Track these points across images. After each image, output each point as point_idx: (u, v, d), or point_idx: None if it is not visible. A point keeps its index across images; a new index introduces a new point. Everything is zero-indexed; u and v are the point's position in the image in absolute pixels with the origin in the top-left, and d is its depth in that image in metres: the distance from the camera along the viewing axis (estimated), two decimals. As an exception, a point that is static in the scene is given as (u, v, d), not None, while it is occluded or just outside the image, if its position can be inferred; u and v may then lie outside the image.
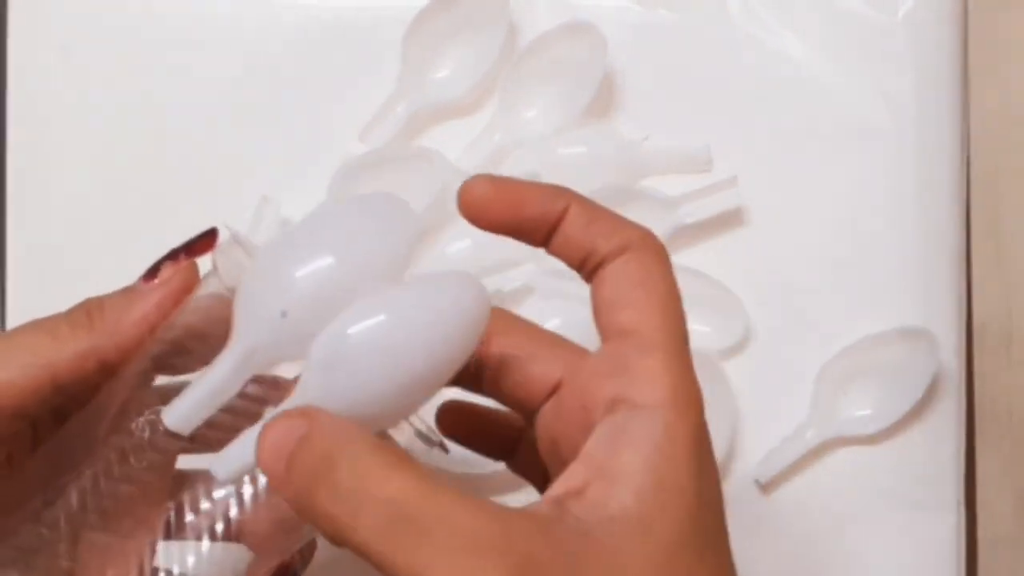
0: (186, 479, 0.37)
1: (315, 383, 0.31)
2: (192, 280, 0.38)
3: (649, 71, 0.55)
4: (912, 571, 0.53)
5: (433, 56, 0.55)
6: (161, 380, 0.37)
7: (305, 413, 0.31)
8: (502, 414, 0.41)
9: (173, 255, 0.38)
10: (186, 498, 0.36)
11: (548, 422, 0.36)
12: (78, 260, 0.54)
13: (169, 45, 0.56)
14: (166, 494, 0.36)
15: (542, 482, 0.39)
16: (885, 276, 0.54)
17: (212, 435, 0.33)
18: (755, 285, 0.54)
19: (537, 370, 0.36)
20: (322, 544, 0.53)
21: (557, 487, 0.32)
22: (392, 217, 0.33)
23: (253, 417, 0.33)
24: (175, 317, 0.37)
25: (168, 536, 0.36)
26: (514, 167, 0.54)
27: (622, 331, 0.34)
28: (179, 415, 0.33)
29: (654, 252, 0.35)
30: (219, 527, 0.36)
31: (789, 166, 0.55)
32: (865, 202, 0.55)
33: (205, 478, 0.36)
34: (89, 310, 0.37)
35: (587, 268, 0.36)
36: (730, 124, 0.55)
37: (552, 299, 0.53)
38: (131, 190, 0.55)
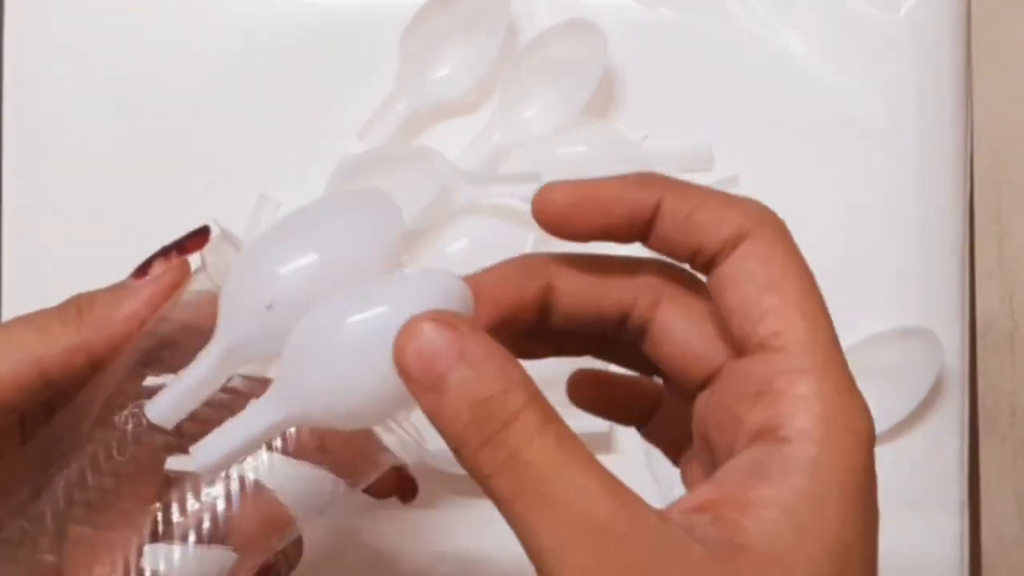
0: (174, 480, 0.37)
1: (292, 377, 0.31)
2: (182, 277, 0.38)
3: (650, 70, 0.55)
4: (916, 572, 0.53)
5: (433, 55, 0.54)
6: (151, 381, 0.37)
7: (454, 325, 0.28)
8: (639, 381, 0.37)
9: (164, 252, 0.38)
10: (173, 499, 0.36)
11: (703, 413, 0.33)
12: (75, 258, 0.54)
13: (167, 44, 0.55)
14: (154, 490, 0.36)
15: (676, 453, 0.37)
16: (887, 276, 0.54)
17: (197, 429, 0.33)
18: (756, 285, 0.54)
19: (699, 348, 0.32)
20: (315, 545, 0.53)
21: (685, 501, 0.29)
22: (379, 213, 0.33)
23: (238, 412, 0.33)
24: (164, 312, 0.37)
25: (155, 537, 0.36)
26: (514, 166, 0.54)
27: (763, 346, 0.30)
28: (162, 408, 0.33)
29: (774, 236, 0.31)
30: (205, 528, 0.36)
31: (790, 165, 0.55)
32: (867, 201, 0.54)
33: (193, 479, 0.36)
34: (79, 306, 0.37)
35: (698, 264, 0.32)
36: (731, 123, 0.55)
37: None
38: (128, 188, 0.55)
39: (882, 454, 0.53)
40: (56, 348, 0.36)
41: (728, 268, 0.31)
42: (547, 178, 0.51)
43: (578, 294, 0.33)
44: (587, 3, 0.55)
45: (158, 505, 0.36)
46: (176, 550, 0.36)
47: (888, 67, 0.55)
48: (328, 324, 0.30)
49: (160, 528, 0.36)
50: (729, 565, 0.27)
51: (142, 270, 0.38)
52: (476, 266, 0.53)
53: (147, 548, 0.35)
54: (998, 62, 0.57)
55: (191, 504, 0.36)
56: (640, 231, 0.32)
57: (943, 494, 0.53)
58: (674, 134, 0.55)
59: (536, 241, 0.52)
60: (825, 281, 0.54)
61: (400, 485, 0.44)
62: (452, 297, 0.31)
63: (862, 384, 0.53)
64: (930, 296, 0.54)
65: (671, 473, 0.53)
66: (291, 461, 0.37)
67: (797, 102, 0.55)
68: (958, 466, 0.53)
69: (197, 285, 0.37)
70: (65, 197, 0.55)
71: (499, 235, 0.54)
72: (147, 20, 0.56)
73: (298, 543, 0.40)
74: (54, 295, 0.39)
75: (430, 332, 0.28)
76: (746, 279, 0.31)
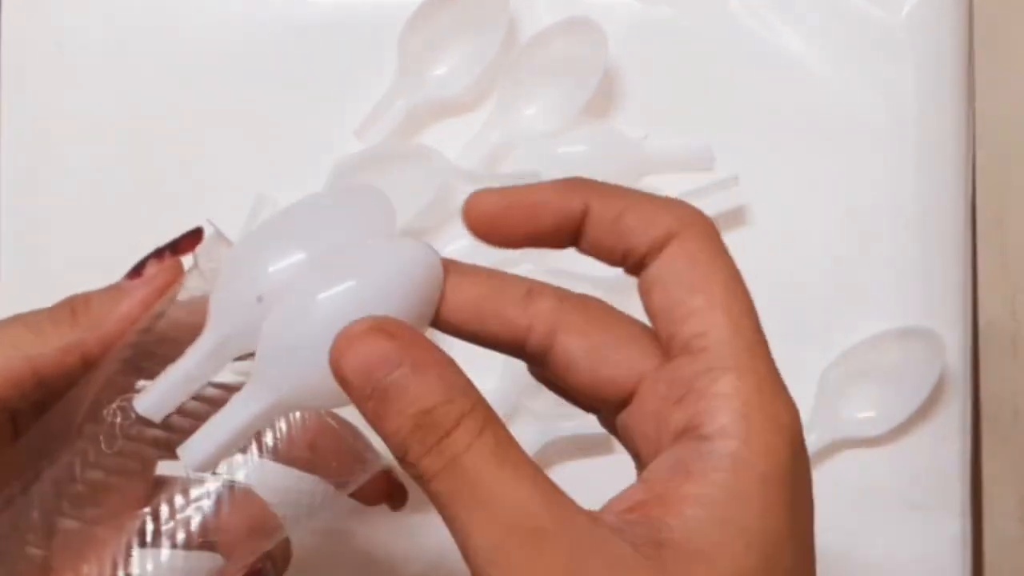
0: (164, 482, 0.37)
1: (270, 362, 0.31)
2: (176, 277, 0.38)
3: (650, 68, 0.55)
4: (917, 573, 0.53)
5: (432, 53, 0.54)
6: (143, 383, 0.37)
7: (394, 333, 0.29)
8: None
9: (158, 253, 0.38)
10: (162, 501, 0.36)
11: (626, 430, 0.32)
12: (72, 257, 0.54)
13: (164, 43, 0.55)
14: (144, 486, 0.37)
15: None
16: (889, 276, 0.54)
17: (187, 424, 0.33)
18: (757, 285, 0.53)
19: (607, 373, 0.32)
20: (307, 550, 0.53)
21: (616, 503, 0.30)
22: (372, 210, 0.33)
23: None
24: (157, 310, 0.37)
25: (143, 538, 0.36)
26: (513, 166, 0.54)
27: (687, 347, 0.30)
28: (150, 401, 0.33)
29: (702, 237, 0.31)
30: (193, 531, 0.36)
31: (790, 165, 0.55)
32: (868, 201, 0.54)
33: (182, 481, 0.36)
34: (73, 306, 0.38)
35: (629, 267, 0.32)
36: (731, 122, 0.55)
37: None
38: (126, 187, 0.55)
39: (883, 455, 0.53)
40: (49, 347, 0.36)
41: (655, 270, 0.31)
42: (547, 177, 0.51)
43: (468, 309, 0.33)
44: (587, 1, 0.55)
45: (147, 509, 0.36)
46: (164, 554, 0.36)
47: (889, 67, 0.55)
48: (299, 303, 0.30)
49: (148, 529, 0.36)
50: (655, 562, 0.27)
51: (136, 271, 0.38)
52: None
53: (135, 552, 0.35)
54: (1000, 62, 0.57)
55: (179, 507, 0.36)
56: (569, 236, 0.32)
57: (945, 495, 0.53)
58: (674, 134, 0.54)
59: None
60: (826, 281, 0.54)
61: (389, 490, 0.44)
62: (420, 266, 0.31)
63: (864, 385, 0.53)
64: (932, 296, 0.54)
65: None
66: (278, 466, 0.37)
67: (798, 102, 0.55)
68: (960, 467, 0.53)
69: (190, 284, 0.37)
70: (62, 196, 0.55)
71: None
72: (145, 18, 0.56)
73: (286, 546, 0.40)
74: (52, 294, 0.39)
75: (370, 342, 0.29)
76: (673, 280, 0.31)
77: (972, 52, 0.55)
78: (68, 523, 0.36)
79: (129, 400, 0.34)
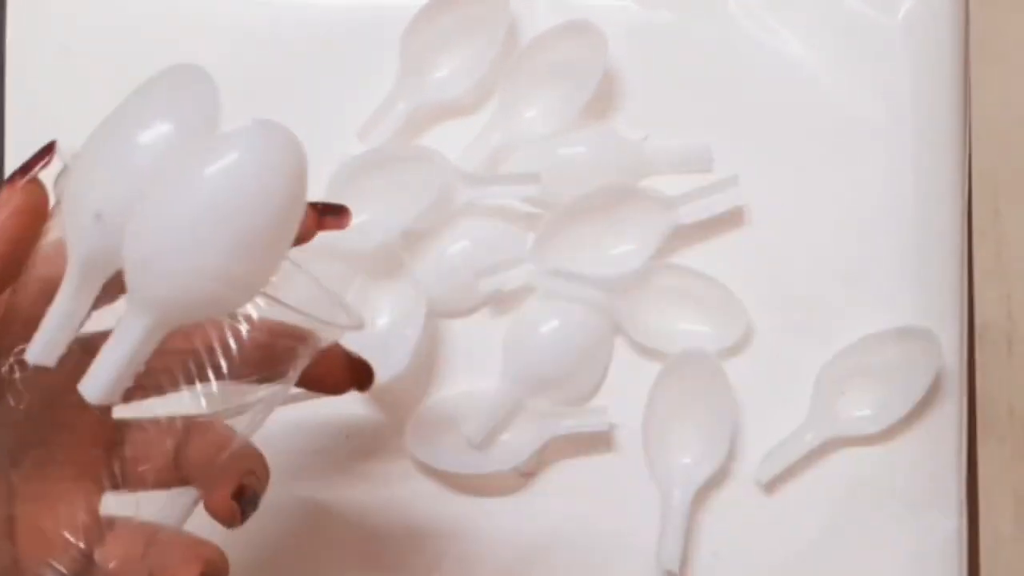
0: (124, 427, 0.36)
1: (141, 275, 0.31)
2: (37, 200, 0.35)
3: (649, 70, 0.55)
4: (913, 572, 0.53)
5: (433, 55, 0.54)
6: None
7: None
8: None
9: (9, 180, 0.36)
10: (125, 447, 0.36)
11: None
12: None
13: (169, 45, 0.55)
14: (95, 432, 0.36)
15: None
16: (885, 276, 0.54)
17: (89, 361, 0.33)
18: (755, 285, 0.54)
19: None
20: (314, 552, 0.53)
21: None
22: (197, 95, 0.33)
23: None
24: (31, 261, 0.35)
25: (114, 484, 0.36)
26: (514, 167, 0.54)
27: None
28: (39, 347, 0.33)
29: None
30: (159, 471, 0.36)
31: (789, 166, 0.55)
32: (865, 202, 0.55)
33: (139, 424, 0.36)
34: None
35: None
36: (729, 124, 0.55)
37: (552, 299, 0.53)
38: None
39: (880, 454, 0.53)
40: None
41: None
42: (547, 178, 0.52)
43: None
44: (587, 4, 0.55)
45: (109, 454, 0.36)
46: (134, 496, 0.36)
47: (887, 68, 0.55)
48: (146, 213, 0.30)
49: (118, 475, 0.36)
50: None
51: None
52: (476, 266, 0.53)
53: (107, 496, 0.35)
54: (996, 63, 0.57)
55: (141, 451, 0.36)
56: None
57: (941, 494, 0.53)
58: (674, 134, 0.55)
59: (536, 241, 0.53)
60: (823, 281, 0.55)
61: (352, 373, 0.43)
62: (274, 151, 0.32)
63: (861, 384, 0.53)
64: (928, 296, 0.54)
65: (671, 473, 0.53)
66: (226, 385, 0.37)
67: (796, 103, 0.55)
68: (956, 466, 0.54)
69: (53, 235, 0.35)
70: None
71: (499, 235, 0.54)
72: (148, 20, 0.56)
73: (261, 459, 0.39)
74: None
75: None
76: None
77: (968, 53, 0.55)
78: (27, 483, 0.35)
79: (21, 351, 0.34)
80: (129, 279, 0.31)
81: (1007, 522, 0.55)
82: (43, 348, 0.33)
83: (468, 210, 0.53)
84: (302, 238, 0.38)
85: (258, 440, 0.39)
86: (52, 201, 0.36)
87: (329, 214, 0.40)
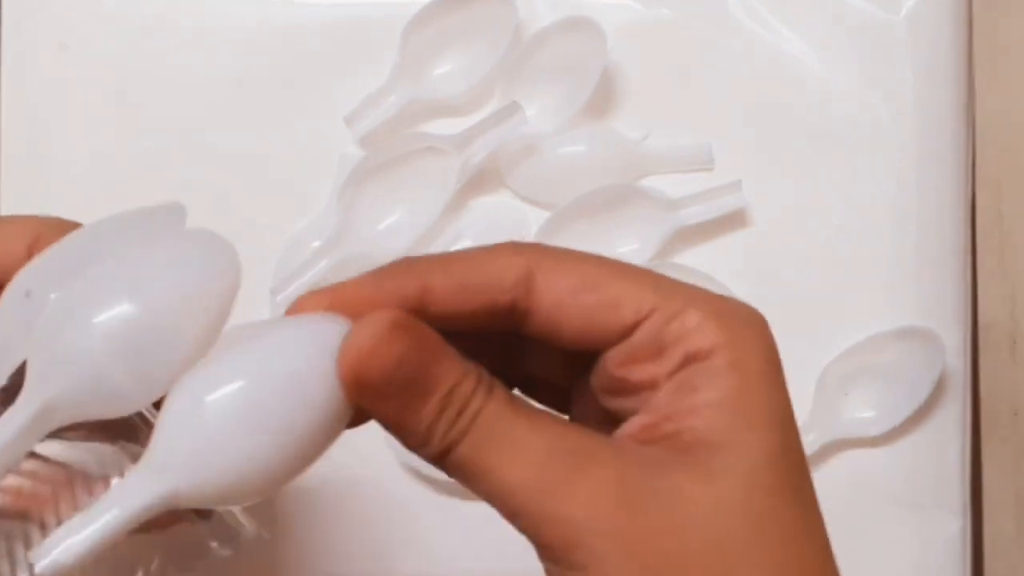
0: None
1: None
2: None
3: (649, 69, 0.55)
4: (917, 572, 0.53)
5: (433, 52, 0.54)
6: None
7: (402, 326, 0.29)
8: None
9: None
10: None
11: (622, 367, 0.32)
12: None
13: (166, 42, 0.55)
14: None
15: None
16: (888, 276, 0.54)
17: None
18: (756, 285, 0.53)
19: (601, 307, 0.31)
20: (292, 543, 0.53)
21: (619, 434, 0.31)
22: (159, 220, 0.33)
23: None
24: None
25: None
26: (514, 167, 0.54)
27: (626, 329, 0.31)
28: None
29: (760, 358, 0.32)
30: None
31: (791, 165, 0.55)
32: (868, 201, 0.54)
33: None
34: None
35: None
36: (731, 122, 0.55)
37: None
38: (127, 188, 0.55)
39: (883, 455, 0.53)
40: None
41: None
42: (547, 178, 0.51)
43: (451, 290, 0.32)
44: (587, 2, 0.55)
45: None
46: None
47: (889, 67, 0.55)
48: (59, 305, 0.30)
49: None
50: (691, 458, 0.30)
51: None
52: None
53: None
54: (999, 62, 0.57)
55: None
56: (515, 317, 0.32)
57: (944, 494, 0.53)
58: (674, 134, 0.54)
59: (536, 240, 0.52)
60: (826, 281, 0.54)
61: None
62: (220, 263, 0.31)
63: (864, 385, 0.53)
64: (932, 297, 0.54)
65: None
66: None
67: (797, 102, 0.55)
68: (959, 467, 0.53)
69: None
70: (63, 195, 0.55)
71: (500, 235, 0.53)
72: (146, 18, 0.55)
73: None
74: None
75: (393, 342, 0.29)
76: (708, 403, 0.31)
77: (971, 52, 0.55)
78: None
79: None
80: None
81: (1010, 523, 0.55)
82: None
83: (468, 209, 0.53)
84: None
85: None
86: None
87: None
